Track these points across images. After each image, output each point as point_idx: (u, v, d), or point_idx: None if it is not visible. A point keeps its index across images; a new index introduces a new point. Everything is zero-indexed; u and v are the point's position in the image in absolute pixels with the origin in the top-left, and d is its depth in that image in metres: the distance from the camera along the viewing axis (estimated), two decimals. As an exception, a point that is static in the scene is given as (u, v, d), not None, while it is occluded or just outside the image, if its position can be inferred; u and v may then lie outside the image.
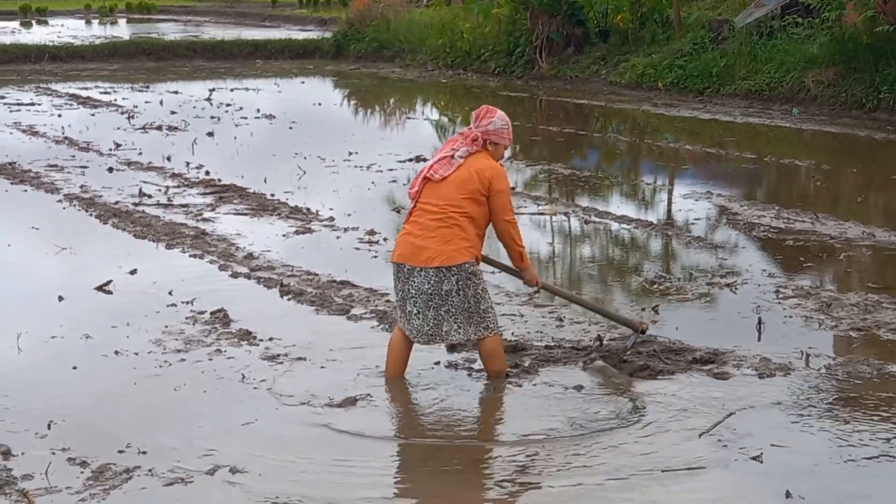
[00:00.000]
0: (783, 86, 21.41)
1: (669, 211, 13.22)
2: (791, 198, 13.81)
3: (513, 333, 8.40)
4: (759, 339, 8.06)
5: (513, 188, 14.15)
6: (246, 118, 20.64)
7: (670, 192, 14.31)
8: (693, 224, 12.18)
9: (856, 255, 10.72)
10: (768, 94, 21.61)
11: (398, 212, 12.83)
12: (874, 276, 10.08)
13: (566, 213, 12.73)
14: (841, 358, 7.82)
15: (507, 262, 7.83)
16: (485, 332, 7.31)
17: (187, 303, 9.19)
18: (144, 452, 6.37)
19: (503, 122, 7.45)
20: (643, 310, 9.08)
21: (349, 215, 12.46)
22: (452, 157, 7.32)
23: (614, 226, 12.15)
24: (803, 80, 21.05)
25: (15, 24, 45.90)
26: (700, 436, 6.58)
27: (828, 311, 8.86)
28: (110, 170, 15.26)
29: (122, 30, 43.65)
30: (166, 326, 8.60)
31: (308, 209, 12.75)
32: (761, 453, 6.30)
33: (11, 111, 21.29)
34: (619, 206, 13.32)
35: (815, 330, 8.49)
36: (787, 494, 5.81)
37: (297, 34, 38.58)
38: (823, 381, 7.41)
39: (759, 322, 8.51)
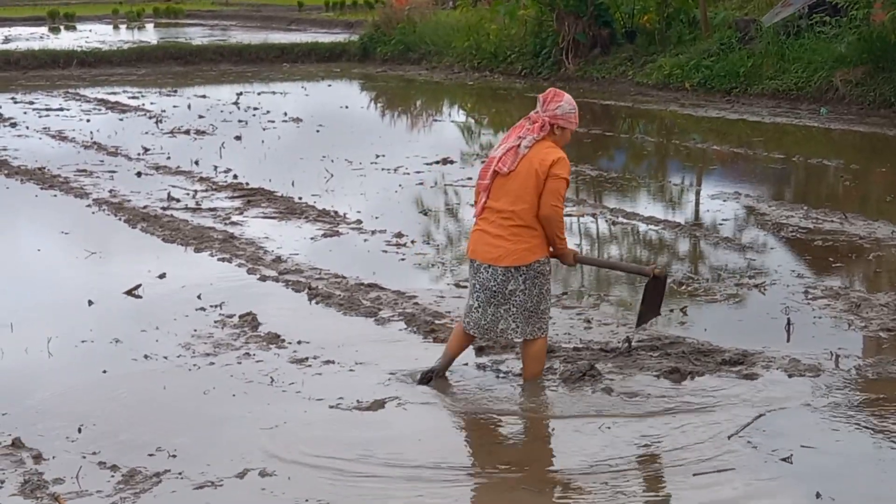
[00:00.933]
0: (811, 85, 21.31)
1: (697, 212, 13.18)
2: (819, 198, 13.76)
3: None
4: (788, 340, 8.04)
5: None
6: (273, 122, 20.68)
7: (698, 193, 14.27)
8: (721, 225, 12.15)
9: (885, 255, 10.67)
10: (796, 93, 21.53)
11: (426, 214, 12.85)
12: (904, 276, 10.05)
13: (594, 215, 12.71)
14: (871, 359, 7.79)
15: None
16: (538, 332, 7.32)
17: (216, 306, 9.23)
18: (174, 456, 6.40)
19: (571, 106, 7.36)
20: (671, 311, 9.06)
21: (377, 218, 12.48)
22: (518, 146, 7.23)
23: (642, 227, 12.12)
24: (831, 79, 20.96)
25: (43, 29, 46.09)
26: (729, 437, 6.56)
27: (857, 312, 8.82)
28: (139, 174, 15.31)
29: (149, 34, 43.80)
30: (195, 330, 8.64)
31: (336, 212, 12.77)
32: (791, 454, 6.29)
33: (41, 116, 21.40)
34: (646, 207, 13.29)
35: (845, 331, 8.46)
36: (818, 496, 5.80)
37: (324, 37, 38.62)
38: (853, 382, 7.38)
39: (789, 323, 8.48)
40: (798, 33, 22.51)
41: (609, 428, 6.78)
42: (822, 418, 6.80)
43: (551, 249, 7.34)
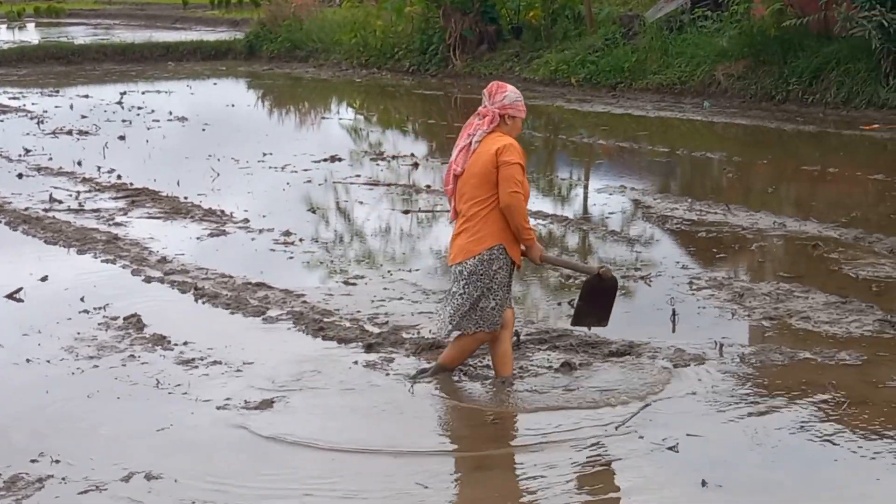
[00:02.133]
0: (694, 79, 21.64)
1: (585, 206, 13.30)
2: (703, 190, 13.97)
3: (430, 331, 8.38)
4: (673, 331, 8.13)
5: (429, 186, 14.18)
6: (158, 121, 20.41)
7: (585, 187, 14.40)
8: (608, 218, 12.26)
9: (767, 246, 10.86)
10: (679, 87, 21.84)
11: (314, 212, 12.78)
12: (785, 265, 10.21)
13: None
14: (754, 347, 7.91)
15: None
16: (468, 328, 7.22)
17: (100, 309, 9.07)
18: (57, 461, 6.27)
19: (517, 95, 7.25)
20: (559, 304, 9.12)
21: (264, 217, 12.38)
22: (469, 144, 7.16)
23: (531, 221, 12.15)
24: (714, 73, 21.30)
25: (-81, 29, 45.05)
26: (616, 428, 6.61)
27: (741, 302, 8.96)
28: (20, 176, 15.01)
29: (30, 34, 42.96)
30: (78, 333, 8.47)
31: (222, 211, 12.65)
32: (677, 443, 6.35)
33: (-83, 118, 20.89)
34: (534, 201, 13.31)
35: (729, 320, 8.59)
36: (703, 483, 5.86)
37: (209, 35, 38.26)
38: (737, 370, 7.48)
39: (674, 314, 8.58)
40: (681, 28, 22.84)
41: (496, 423, 6.78)
42: (707, 407, 6.89)
43: (522, 248, 7.25)
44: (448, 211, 7.47)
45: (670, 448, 6.33)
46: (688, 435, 6.47)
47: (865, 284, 9.37)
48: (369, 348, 8.06)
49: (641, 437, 6.47)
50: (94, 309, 9.08)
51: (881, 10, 17.72)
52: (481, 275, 7.10)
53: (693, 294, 9.20)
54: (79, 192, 13.78)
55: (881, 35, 17.83)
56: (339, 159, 16.20)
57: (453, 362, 7.43)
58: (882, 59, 18.38)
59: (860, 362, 7.55)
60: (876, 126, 17.51)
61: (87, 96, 24.53)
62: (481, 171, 7.04)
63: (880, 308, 8.63)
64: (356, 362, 7.81)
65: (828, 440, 6.39)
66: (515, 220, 7.06)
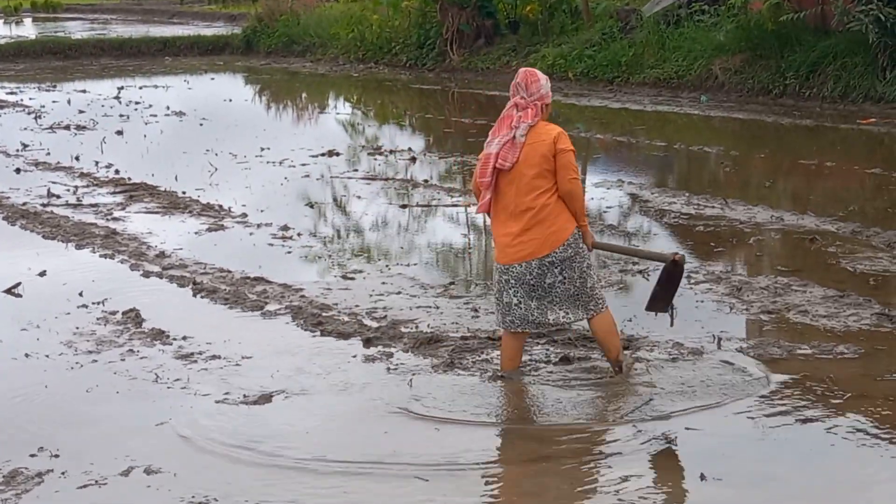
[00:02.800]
0: (691, 73, 21.64)
1: (582, 200, 13.28)
2: (701, 184, 13.98)
3: (428, 325, 8.40)
4: (671, 325, 8.12)
5: (426, 180, 14.20)
6: (155, 116, 20.42)
7: (583, 181, 14.37)
8: (605, 212, 12.27)
9: (765, 239, 10.87)
10: (677, 81, 21.84)
11: (312, 207, 12.79)
12: (783, 259, 10.23)
13: (480, 205, 12.74)
14: (752, 341, 7.92)
15: None
16: (595, 309, 7.18)
17: (98, 303, 9.08)
18: (57, 456, 6.27)
19: (546, 80, 7.19)
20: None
21: (262, 211, 12.39)
22: (514, 138, 7.00)
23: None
24: (711, 67, 21.30)
25: (-84, 24, 45.01)
26: (615, 422, 6.62)
27: (739, 295, 8.96)
28: (17, 171, 15.02)
29: (27, 29, 43.00)
30: (77, 328, 8.48)
31: (220, 206, 12.66)
32: (676, 437, 6.36)
33: (-86, 113, 20.88)
34: (532, 196, 13.34)
35: (727, 314, 8.59)
36: (702, 477, 5.87)
37: (206, 30, 38.28)
38: (736, 364, 7.48)
39: (672, 307, 8.56)
40: (678, 22, 22.84)
41: (497, 416, 6.79)
42: (706, 401, 6.88)
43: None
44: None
45: (669, 442, 6.34)
46: (686, 429, 6.48)
47: (863, 278, 9.37)
48: (368, 342, 8.07)
49: (640, 431, 6.48)
50: (93, 304, 9.08)
51: (878, 4, 17.72)
52: (573, 257, 7.07)
53: (691, 288, 9.20)
54: (77, 187, 13.79)
55: (878, 29, 17.83)
56: (337, 154, 16.22)
57: (617, 349, 7.29)
58: (879, 53, 18.38)
59: (858, 356, 7.56)
60: (873, 120, 17.52)
61: (84, 91, 24.54)
62: (541, 161, 6.97)
63: (878, 302, 8.64)
64: (355, 356, 7.82)
65: (827, 434, 6.39)
66: (575, 205, 7.09)
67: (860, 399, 6.84)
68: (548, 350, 7.81)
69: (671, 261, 7.50)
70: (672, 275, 7.52)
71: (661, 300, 7.61)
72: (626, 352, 7.51)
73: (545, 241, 7.02)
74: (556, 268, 7.05)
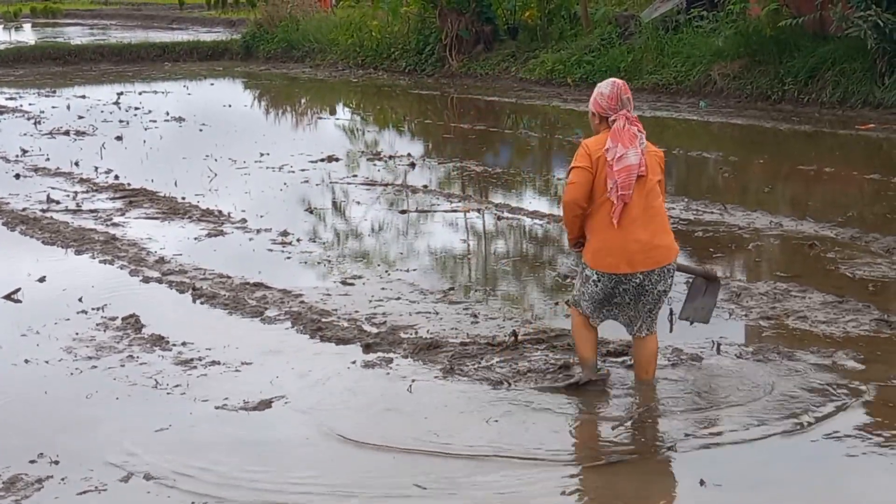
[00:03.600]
0: (690, 79, 21.66)
1: (581, 205, 13.27)
2: (700, 189, 13.99)
3: (428, 331, 8.40)
4: (671, 331, 8.13)
5: (425, 186, 14.22)
6: (155, 121, 20.43)
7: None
8: (604, 218, 12.25)
9: (764, 245, 10.88)
10: (675, 87, 21.86)
11: (311, 212, 12.80)
12: (782, 264, 10.23)
13: (479, 210, 12.77)
14: (751, 346, 7.93)
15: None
16: (654, 328, 7.22)
17: (98, 309, 9.08)
18: (57, 462, 6.28)
19: None
20: (556, 304, 9.14)
21: (261, 217, 12.40)
22: (641, 147, 6.92)
23: (527, 221, 12.20)
24: (709, 73, 21.33)
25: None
26: (613, 428, 6.63)
27: (738, 301, 8.97)
28: (17, 176, 15.03)
29: (27, 35, 42.99)
30: (77, 333, 8.48)
31: (220, 211, 12.66)
32: (675, 443, 6.37)
33: (-87, 119, 20.89)
34: (531, 201, 13.39)
35: (726, 320, 8.59)
36: (702, 483, 5.88)
37: (206, 36, 38.27)
38: (734, 369, 7.49)
39: (671, 313, 8.54)
40: (677, 28, 22.87)
41: (497, 421, 6.79)
42: (704, 406, 6.89)
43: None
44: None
45: (669, 448, 6.35)
46: (686, 435, 6.49)
47: (862, 284, 9.39)
48: (367, 348, 8.07)
49: (641, 438, 6.49)
50: (93, 309, 9.09)
51: (877, 10, 17.75)
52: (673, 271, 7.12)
53: (690, 293, 9.21)
54: (76, 193, 13.80)
55: (877, 35, 17.86)
56: (336, 159, 16.23)
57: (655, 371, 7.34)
58: (877, 58, 18.40)
59: (857, 361, 7.56)
60: (871, 125, 17.54)
61: (83, 97, 24.54)
62: (658, 170, 7.02)
63: (877, 307, 8.65)
64: (354, 362, 7.83)
65: (826, 439, 6.40)
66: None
67: (859, 404, 6.85)
68: (547, 357, 7.81)
69: (714, 280, 7.75)
70: (710, 292, 7.70)
71: (696, 313, 7.74)
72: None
73: (671, 249, 7.03)
74: (669, 277, 7.04)
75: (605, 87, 7.03)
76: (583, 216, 7.02)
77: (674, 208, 12.35)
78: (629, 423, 6.67)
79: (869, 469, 6.08)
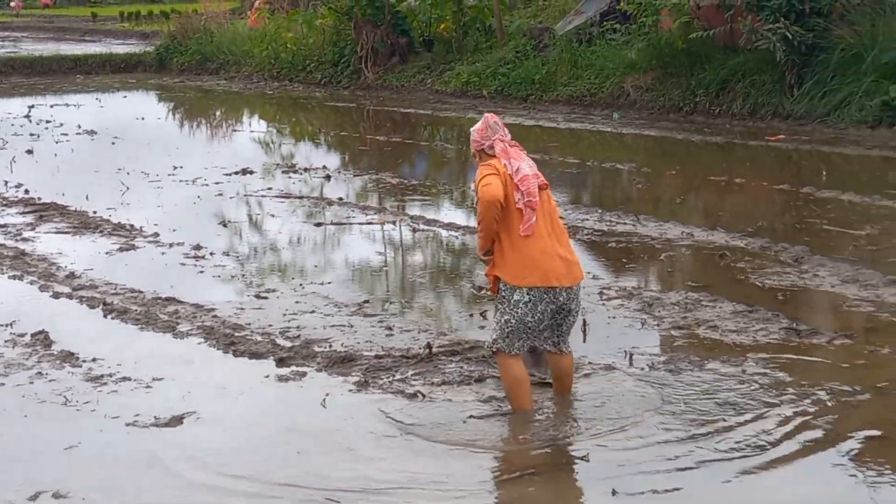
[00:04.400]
0: (603, 91, 21.84)
1: (496, 217, 13.32)
2: (613, 200, 14.11)
3: (342, 344, 8.38)
4: (584, 341, 8.19)
5: (341, 198, 14.19)
6: (67, 134, 20.18)
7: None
8: (519, 229, 12.30)
9: (676, 255, 10.98)
10: (589, 99, 22.03)
11: (225, 226, 12.70)
12: (693, 274, 10.35)
13: (395, 223, 12.76)
14: (663, 356, 8.00)
15: None
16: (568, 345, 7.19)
17: (6, 325, 8.95)
18: (-38, 482, 6.18)
19: None
20: (471, 315, 9.16)
21: (174, 231, 12.29)
22: (529, 161, 7.03)
23: (443, 233, 12.22)
24: (623, 85, 21.51)
25: None
26: (527, 440, 6.65)
27: (650, 311, 9.05)
28: (-76, 191, 14.78)
29: (-66, 47, 42.26)
30: (-16, 351, 8.35)
31: (132, 225, 12.54)
32: (587, 453, 6.41)
33: None
34: (447, 213, 13.41)
35: (639, 329, 8.67)
36: (614, 493, 5.92)
37: (119, 48, 37.93)
38: (645, 379, 7.55)
39: (584, 323, 8.63)
40: (590, 41, 23.06)
41: (410, 440, 6.78)
42: (617, 416, 6.93)
43: None
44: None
45: (581, 458, 6.38)
46: (598, 445, 6.52)
47: (771, 293, 9.51)
48: (281, 362, 8.03)
49: (553, 448, 6.52)
50: (1, 326, 8.95)
51: (785, 23, 18.02)
52: None
53: (603, 304, 9.28)
54: (-15, 208, 13.60)
55: (785, 47, 18.13)
56: (251, 172, 16.14)
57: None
58: (786, 70, 18.69)
59: (767, 370, 7.66)
60: (781, 136, 17.80)
61: (-7, 110, 24.19)
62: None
63: (786, 316, 8.77)
64: (268, 376, 7.78)
65: (736, 447, 6.46)
66: None
67: (770, 412, 6.93)
68: (462, 368, 7.82)
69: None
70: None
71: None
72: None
73: (580, 265, 7.05)
74: (577, 297, 7.03)
75: (477, 125, 7.14)
76: (498, 217, 6.91)
77: (587, 219, 12.45)
78: (543, 435, 6.70)
79: (782, 476, 6.15)
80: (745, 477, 6.14)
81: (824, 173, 15.11)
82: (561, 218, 7.20)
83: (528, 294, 6.82)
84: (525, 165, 6.94)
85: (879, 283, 9.55)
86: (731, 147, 17.61)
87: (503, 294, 6.91)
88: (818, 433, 6.61)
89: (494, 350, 6.97)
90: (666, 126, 19.63)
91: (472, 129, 7.14)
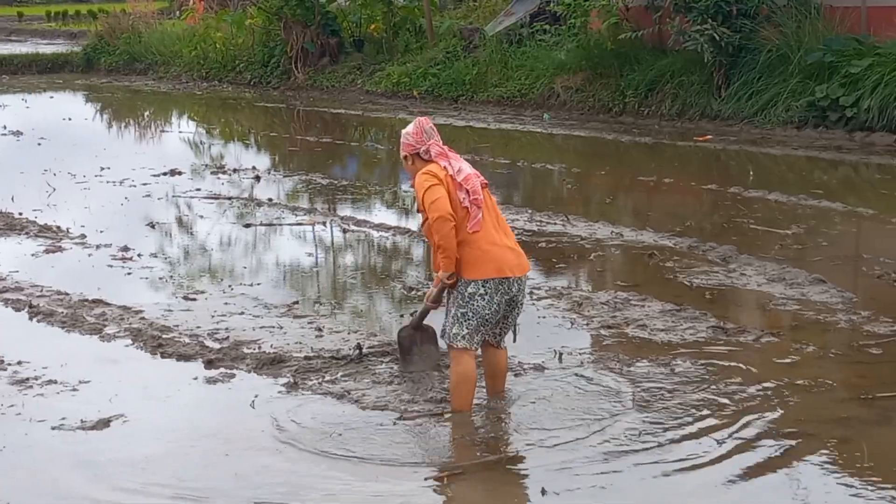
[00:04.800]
0: (534, 92, 21.92)
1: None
2: (544, 201, 14.15)
3: (272, 346, 8.33)
4: (514, 341, 8.18)
5: (271, 199, 14.12)
6: (-9, 135, 19.93)
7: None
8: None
9: (606, 255, 11.05)
10: (520, 100, 22.10)
11: (153, 227, 12.59)
12: (623, 274, 10.41)
13: (325, 223, 12.72)
14: (593, 355, 8.04)
15: None
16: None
17: (-71, 329, 8.82)
18: None
19: None
20: (402, 316, 9.14)
21: (101, 232, 12.16)
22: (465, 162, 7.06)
23: (374, 234, 12.20)
24: (553, 86, 21.60)
25: None
26: (457, 438, 6.65)
27: (579, 311, 9.09)
28: None
29: None
30: None
31: (58, 227, 12.39)
32: (518, 452, 6.42)
33: None
34: (378, 214, 13.39)
35: (568, 329, 8.70)
36: (543, 492, 5.93)
37: (45, 48, 37.45)
38: (574, 378, 7.58)
39: (514, 324, 8.64)
40: (521, 42, 23.13)
41: (340, 434, 6.75)
42: (546, 416, 6.94)
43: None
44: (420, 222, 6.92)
45: (511, 458, 6.39)
46: (527, 445, 6.54)
47: (699, 292, 9.59)
48: (209, 364, 7.97)
49: (482, 448, 6.52)
50: (-77, 330, 8.82)
51: (713, 24, 18.18)
52: None
53: (533, 304, 9.29)
54: None
55: (713, 48, 18.30)
56: (180, 173, 16.01)
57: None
58: (714, 71, 18.87)
59: (694, 368, 7.72)
60: (709, 137, 17.97)
61: (-85, 110, 23.82)
62: None
63: (713, 315, 8.84)
64: (196, 378, 7.72)
65: (666, 445, 6.50)
66: None
67: (697, 412, 6.97)
68: (392, 369, 7.81)
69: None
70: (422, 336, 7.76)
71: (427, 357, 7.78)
72: None
73: (525, 256, 7.06)
74: (526, 285, 7.09)
75: (409, 127, 7.08)
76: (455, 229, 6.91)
77: (517, 219, 12.48)
78: (472, 434, 6.71)
79: (708, 474, 6.18)
80: (674, 476, 6.17)
81: (751, 173, 15.27)
82: None
83: (482, 287, 6.83)
84: (465, 165, 6.99)
85: (805, 282, 9.67)
86: (659, 147, 17.74)
87: (458, 289, 6.91)
88: (747, 431, 6.66)
89: (453, 342, 6.95)
90: (596, 127, 19.75)
91: (404, 132, 7.04)
